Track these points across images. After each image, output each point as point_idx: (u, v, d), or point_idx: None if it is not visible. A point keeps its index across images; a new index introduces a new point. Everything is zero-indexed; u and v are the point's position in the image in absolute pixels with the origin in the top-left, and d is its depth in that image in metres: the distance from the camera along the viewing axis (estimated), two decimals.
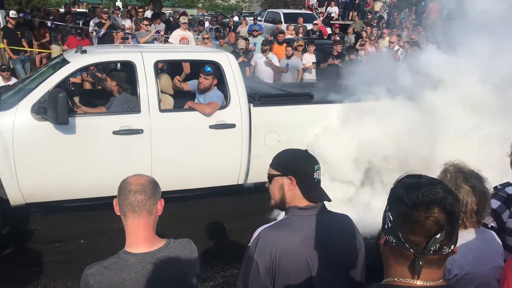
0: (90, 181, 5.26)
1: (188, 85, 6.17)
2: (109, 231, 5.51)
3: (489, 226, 2.91)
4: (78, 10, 29.27)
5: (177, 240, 2.22)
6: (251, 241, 2.17)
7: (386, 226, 1.51)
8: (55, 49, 12.31)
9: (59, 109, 4.78)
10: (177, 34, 11.67)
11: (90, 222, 5.57)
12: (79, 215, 5.82)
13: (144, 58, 5.44)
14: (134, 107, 5.45)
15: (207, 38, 11.25)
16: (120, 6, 19.35)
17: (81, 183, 5.25)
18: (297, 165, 2.26)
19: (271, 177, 2.32)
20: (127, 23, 13.58)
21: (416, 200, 1.43)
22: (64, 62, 5.37)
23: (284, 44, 11.63)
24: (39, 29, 12.21)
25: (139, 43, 11.01)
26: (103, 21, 12.57)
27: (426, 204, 1.43)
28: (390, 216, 1.49)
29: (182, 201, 6.03)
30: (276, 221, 2.25)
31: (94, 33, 12.63)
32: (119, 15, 14.22)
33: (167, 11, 24.70)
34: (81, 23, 13.37)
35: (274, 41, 12.29)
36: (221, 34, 12.36)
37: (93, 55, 5.51)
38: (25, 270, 4.94)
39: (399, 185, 1.52)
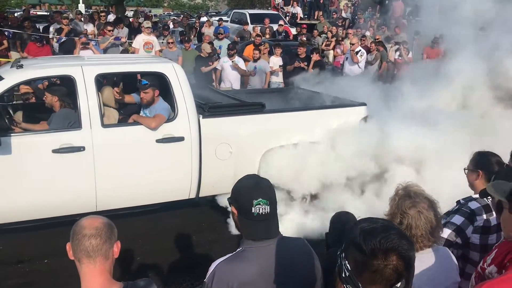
0: (30, 203, 4.97)
1: (133, 97, 5.94)
2: None
3: (454, 242, 2.94)
4: (39, 12, 28.41)
5: (136, 282, 2.11)
6: (206, 276, 2.13)
7: (343, 275, 1.50)
8: (14, 57, 11.85)
9: None
10: (140, 39, 11.36)
11: (52, 240, 5.31)
12: (40, 234, 5.60)
13: (84, 71, 5.18)
14: (75, 123, 5.17)
15: (172, 43, 10.98)
16: (83, 10, 18.77)
17: (22, 205, 4.96)
18: (237, 196, 2.20)
19: (229, 202, 2.31)
20: (90, 27, 13.20)
21: (374, 248, 1.43)
22: None
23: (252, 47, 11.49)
24: None
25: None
26: (63, 26, 12.16)
27: (383, 252, 1.43)
28: (348, 265, 1.48)
29: (148, 214, 5.93)
30: (231, 254, 2.19)
31: (55, 40, 12.21)
32: (81, 19, 13.76)
33: (132, 10, 24.20)
34: (41, 28, 12.91)
35: (243, 43, 12.05)
36: (186, 38, 12.04)
37: (29, 70, 5.19)
38: None
39: (356, 231, 1.49)
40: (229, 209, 2.34)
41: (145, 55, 9.57)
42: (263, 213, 2.14)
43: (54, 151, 4.94)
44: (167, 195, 5.59)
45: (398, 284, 1.43)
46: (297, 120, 6.00)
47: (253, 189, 2.17)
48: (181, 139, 5.42)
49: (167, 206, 5.79)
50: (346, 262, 1.48)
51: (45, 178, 4.98)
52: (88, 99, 5.11)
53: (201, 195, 5.74)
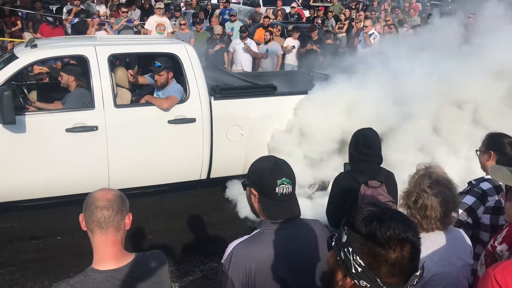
0: (44, 181, 5.05)
1: (146, 78, 5.95)
2: None
3: (464, 222, 2.95)
4: None
5: (147, 253, 2.15)
6: (224, 258, 2.10)
7: (354, 271, 1.40)
8: (28, 37, 11.88)
9: (5, 109, 4.55)
10: (153, 20, 11.33)
11: (65, 218, 5.36)
12: (54, 212, 5.66)
13: (97, 51, 5.20)
14: (89, 103, 5.20)
15: (184, 24, 10.92)
16: None
17: (35, 183, 5.04)
18: (258, 178, 2.15)
19: (243, 186, 2.25)
20: (102, 9, 13.16)
21: (390, 239, 1.36)
22: (13, 57, 5.08)
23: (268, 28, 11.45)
24: (9, 17, 11.76)
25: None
26: (75, 8, 12.14)
27: (400, 242, 1.36)
28: (360, 261, 1.38)
29: (160, 194, 6.00)
30: (249, 235, 2.15)
31: (68, 21, 12.20)
32: (94, 0, 13.74)
33: None
34: (54, 10, 12.91)
35: (254, 25, 11.97)
36: (198, 19, 11.98)
37: (43, 49, 5.22)
38: (1, 269, 4.81)
39: (362, 220, 1.41)
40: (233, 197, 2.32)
41: (157, 36, 9.54)
42: (287, 193, 2.13)
43: (68, 130, 5.00)
44: (178, 175, 5.63)
45: (418, 273, 1.39)
46: (309, 102, 5.90)
47: (275, 169, 2.15)
48: (192, 120, 5.46)
49: (178, 187, 5.85)
50: (357, 257, 1.39)
51: (58, 156, 5.04)
52: (101, 79, 5.14)
53: (212, 176, 5.80)
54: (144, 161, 5.37)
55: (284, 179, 2.13)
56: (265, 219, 2.16)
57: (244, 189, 2.25)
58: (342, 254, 1.43)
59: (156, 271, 2.13)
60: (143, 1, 14.31)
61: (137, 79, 5.88)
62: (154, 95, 5.64)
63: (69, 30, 11.83)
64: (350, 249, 1.40)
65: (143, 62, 6.30)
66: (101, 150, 5.16)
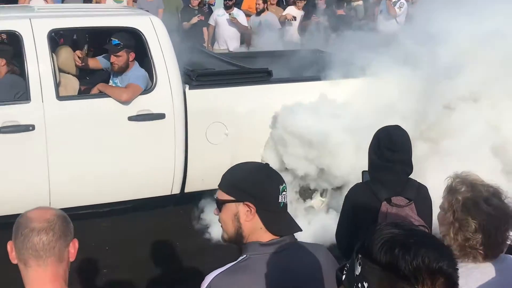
0: None
1: (99, 61, 5.95)
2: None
3: None
4: None
5: None
6: None
7: None
8: None
9: None
10: None
11: None
12: None
13: (33, 26, 5.16)
14: (23, 95, 5.18)
15: None
16: None
17: None
18: (257, 186, 2.18)
19: (221, 203, 2.23)
20: None
21: (416, 269, 1.35)
22: None
23: None
24: None
25: None
26: None
27: (430, 274, 1.35)
28: None
29: (118, 214, 6.01)
30: (232, 263, 2.16)
31: None
32: None
33: None
34: None
35: None
36: None
37: None
38: None
39: (380, 247, 1.41)
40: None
41: (114, 6, 9.52)
42: (286, 202, 2.22)
43: None
44: (142, 190, 5.63)
45: None
46: (315, 92, 5.99)
47: (271, 174, 2.22)
48: (161, 116, 5.45)
49: (142, 205, 5.84)
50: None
51: None
52: (38, 62, 5.11)
53: (187, 190, 5.81)
54: (96, 171, 5.36)
55: (283, 185, 2.20)
56: (253, 242, 2.17)
57: (220, 209, 2.24)
58: (354, 285, 1.43)
59: None
60: None
61: (87, 62, 5.86)
62: (109, 83, 5.63)
63: None
64: (366, 284, 1.41)
65: (96, 40, 6.26)
66: (40, 157, 5.13)
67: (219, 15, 10.70)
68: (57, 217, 2.05)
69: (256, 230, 2.18)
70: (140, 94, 5.41)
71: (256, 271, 2.10)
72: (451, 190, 2.54)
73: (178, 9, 11.03)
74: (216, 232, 5.83)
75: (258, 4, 10.85)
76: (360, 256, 1.45)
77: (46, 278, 1.99)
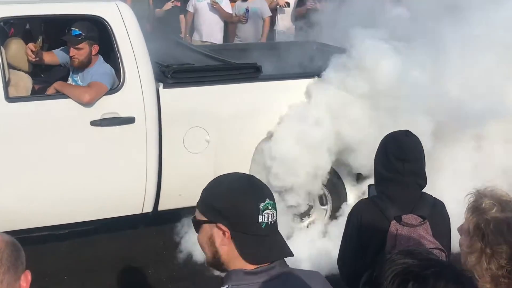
0: None
1: (56, 55, 5.93)
2: None
3: None
4: None
5: None
6: None
7: None
8: None
9: None
10: None
11: None
12: None
13: None
14: None
15: None
16: None
17: None
18: (231, 205, 2.12)
19: (195, 224, 2.22)
20: None
21: None
22: None
23: None
24: None
25: None
26: None
27: None
28: None
29: (80, 237, 6.00)
30: None
31: None
32: None
33: None
34: None
35: None
36: None
37: None
38: None
39: (392, 280, 1.43)
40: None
41: None
42: (272, 222, 2.14)
43: None
44: (108, 208, 5.60)
45: None
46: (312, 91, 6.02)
47: (253, 188, 2.17)
48: (130, 120, 5.44)
49: (108, 226, 5.83)
50: None
51: None
52: None
53: (161, 208, 5.80)
54: (53, 186, 5.33)
55: (268, 201, 2.13)
56: (236, 269, 2.14)
57: (197, 230, 2.23)
58: None
59: None
60: None
61: (42, 56, 5.85)
62: (69, 82, 5.62)
63: None
64: None
65: (53, 31, 6.22)
66: None
67: (199, 0, 10.66)
68: (5, 244, 2.01)
69: (234, 257, 2.15)
70: (105, 95, 5.40)
71: None
72: (476, 210, 2.51)
73: None
74: (196, 257, 5.87)
75: None
76: None
77: None
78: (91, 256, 6.12)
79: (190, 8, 10.73)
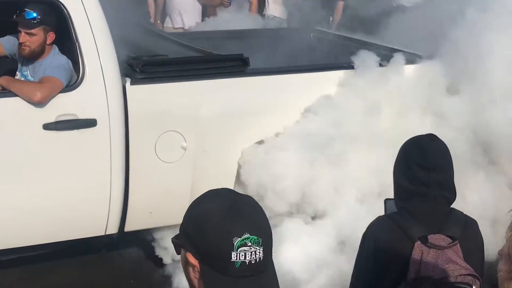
0: None
1: (1, 45, 5.85)
2: None
3: None
4: None
5: None
6: None
7: None
8: None
9: None
10: None
11: None
12: None
13: None
14: None
15: None
16: None
17: None
18: (200, 234, 2.04)
19: (174, 245, 2.16)
20: None
21: None
22: None
23: None
24: None
25: None
26: None
27: None
28: None
29: (34, 263, 6.04)
30: None
31: None
32: None
33: None
34: None
35: None
36: None
37: None
38: None
39: None
40: (177, 258, 2.25)
41: None
42: (253, 261, 2.00)
43: None
44: (64, 229, 5.52)
45: None
46: (311, 87, 6.05)
47: (230, 216, 2.01)
48: (90, 123, 5.38)
49: (65, 251, 5.78)
50: None
51: None
52: None
53: (127, 229, 5.77)
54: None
55: (247, 236, 2.00)
56: None
57: (177, 252, 2.14)
58: None
59: None
60: None
61: None
62: (17, 76, 5.59)
63: None
64: None
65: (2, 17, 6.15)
66: None
67: None
68: None
69: None
70: (61, 92, 5.34)
71: None
72: None
73: None
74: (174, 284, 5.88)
75: None
76: None
77: None
78: (47, 285, 6.12)
79: None
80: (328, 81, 6.15)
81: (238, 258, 1.97)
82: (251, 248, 1.98)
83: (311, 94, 6.02)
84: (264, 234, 2.03)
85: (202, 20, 10.68)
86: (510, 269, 2.42)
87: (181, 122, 5.67)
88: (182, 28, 10.43)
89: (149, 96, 5.64)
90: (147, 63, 5.72)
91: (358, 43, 6.96)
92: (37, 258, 5.89)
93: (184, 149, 5.65)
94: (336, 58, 6.87)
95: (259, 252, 2.00)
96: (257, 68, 6.13)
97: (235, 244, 1.96)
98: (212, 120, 5.71)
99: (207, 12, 10.79)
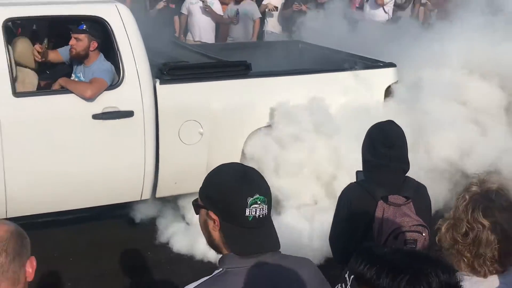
0: None
1: (59, 53, 5.88)
2: None
3: None
4: None
5: None
6: None
7: None
8: None
9: None
10: None
11: None
12: None
13: None
14: None
15: None
16: None
17: None
18: (221, 196, 2.13)
19: (194, 207, 2.25)
20: None
21: None
22: None
23: None
24: None
25: None
26: None
27: None
28: None
29: (83, 222, 5.98)
30: (207, 277, 2.12)
31: None
32: None
33: None
34: None
35: None
36: None
37: None
38: None
39: (377, 271, 1.43)
40: (194, 217, 2.29)
41: None
42: (261, 216, 2.12)
43: None
44: (108, 195, 5.58)
45: None
46: (299, 87, 6.03)
47: (244, 182, 2.14)
48: (129, 114, 5.42)
49: (109, 212, 5.82)
50: None
51: None
52: None
53: (158, 195, 5.79)
54: (57, 175, 5.29)
55: (257, 196, 2.11)
56: (231, 254, 2.14)
57: (196, 212, 2.23)
58: None
59: None
60: None
61: (47, 56, 5.81)
62: (72, 78, 5.58)
63: None
64: None
65: (58, 31, 6.16)
66: None
67: (192, 3, 10.61)
68: (10, 234, 1.97)
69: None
70: (106, 90, 5.37)
71: (234, 285, 2.07)
72: (468, 194, 2.49)
73: None
74: (191, 241, 5.84)
75: None
76: (353, 280, 1.48)
77: None
78: (93, 240, 6.06)
79: (184, 10, 10.69)
80: (312, 81, 6.18)
81: (250, 213, 2.08)
82: (260, 206, 2.10)
83: (299, 92, 5.96)
84: (268, 195, 2.14)
85: (216, 34, 10.74)
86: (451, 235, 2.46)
87: (199, 113, 5.67)
88: (200, 40, 10.38)
89: (174, 93, 5.67)
90: (173, 67, 5.76)
91: (333, 51, 6.98)
92: (84, 219, 5.94)
93: (201, 134, 5.68)
94: (318, 64, 6.79)
95: (265, 209, 2.12)
96: (257, 71, 6.12)
97: (248, 202, 2.07)
98: (222, 111, 5.73)
99: (219, 28, 10.83)
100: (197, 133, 5.71)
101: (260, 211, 2.11)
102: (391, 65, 6.40)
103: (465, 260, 2.39)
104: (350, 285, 1.48)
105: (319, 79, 6.16)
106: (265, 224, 2.15)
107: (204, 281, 2.11)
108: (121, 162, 5.52)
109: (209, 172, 2.24)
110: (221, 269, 2.13)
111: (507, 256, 2.39)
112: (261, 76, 6.16)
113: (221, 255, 2.19)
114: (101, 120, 5.35)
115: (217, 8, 10.60)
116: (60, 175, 5.31)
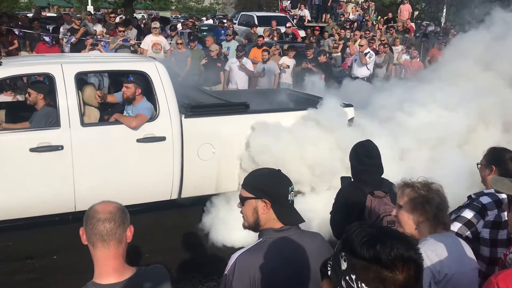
0: (10, 201, 4.84)
1: (115, 97, 5.82)
2: (82, 246, 5.13)
3: (464, 236, 2.93)
4: (48, 14, 28.13)
5: (148, 267, 2.16)
6: (227, 269, 2.13)
7: None
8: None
9: None
10: (149, 40, 11.30)
11: (61, 237, 5.22)
12: (48, 231, 5.46)
13: (64, 69, 5.05)
14: (55, 122, 5.04)
15: (181, 44, 10.79)
16: (92, 11, 18.79)
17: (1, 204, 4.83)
18: (272, 187, 2.21)
19: (244, 199, 2.26)
20: (98, 28, 13.09)
21: (396, 260, 1.32)
22: None
23: (262, 48, 11.35)
24: (6, 36, 11.74)
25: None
26: (76, 26, 12.10)
27: (406, 262, 1.33)
28: (363, 285, 1.33)
29: (155, 211, 5.86)
30: (251, 245, 2.18)
31: (65, 40, 12.16)
32: (90, 20, 13.68)
33: (140, 13, 23.89)
34: (50, 29, 12.88)
35: (250, 45, 11.82)
36: (191, 37, 11.86)
37: (8, 67, 5.09)
38: None
39: (363, 245, 1.36)
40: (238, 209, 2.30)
41: (129, 55, 9.32)
42: (292, 199, 2.23)
43: (32, 149, 4.81)
44: (148, 195, 5.44)
45: None
46: (282, 120, 5.83)
47: (282, 177, 2.24)
48: (162, 138, 5.30)
49: (148, 208, 5.62)
50: (362, 284, 1.33)
51: (23, 177, 4.85)
52: (67, 97, 4.97)
53: (183, 195, 5.61)
54: (112, 181, 5.17)
55: (291, 186, 2.22)
56: (268, 228, 2.19)
57: (242, 204, 2.24)
58: (343, 283, 1.37)
59: (158, 285, 2.12)
60: (142, 23, 14.27)
61: (106, 98, 5.74)
62: (124, 114, 5.51)
63: (66, 50, 11.77)
64: (353, 276, 1.34)
65: (114, 80, 6.14)
66: (67, 170, 4.96)
67: (233, 62, 10.59)
68: (117, 209, 2.04)
69: (270, 220, 2.19)
70: (147, 122, 5.28)
71: (271, 250, 2.12)
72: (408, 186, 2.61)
73: (201, 58, 10.84)
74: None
75: (264, 55, 10.67)
76: (343, 254, 1.39)
77: (110, 256, 2.01)
78: (164, 224, 5.93)
79: (227, 68, 10.63)
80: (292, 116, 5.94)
81: (290, 198, 2.21)
82: (292, 193, 2.22)
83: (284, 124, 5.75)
84: (292, 187, 2.24)
85: (248, 84, 10.57)
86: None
87: (211, 138, 5.53)
88: (236, 87, 10.31)
89: (195, 124, 5.51)
90: (194, 106, 5.67)
91: (312, 96, 6.76)
92: (157, 208, 5.76)
93: (213, 153, 5.55)
94: (297, 104, 6.67)
95: (293, 195, 2.24)
96: (253, 109, 5.97)
97: (289, 189, 2.20)
98: (228, 137, 5.58)
99: (251, 80, 10.66)
100: (211, 152, 5.57)
101: (291, 196, 2.22)
102: (350, 105, 6.16)
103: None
104: (344, 258, 1.38)
105: (296, 115, 5.95)
106: (293, 205, 2.25)
107: (249, 247, 2.17)
108: (157, 172, 5.40)
109: (251, 175, 2.30)
110: (261, 239, 2.19)
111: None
112: (255, 112, 5.92)
113: (260, 231, 2.22)
114: (143, 143, 5.25)
115: (250, 66, 10.52)
116: (114, 181, 5.21)
